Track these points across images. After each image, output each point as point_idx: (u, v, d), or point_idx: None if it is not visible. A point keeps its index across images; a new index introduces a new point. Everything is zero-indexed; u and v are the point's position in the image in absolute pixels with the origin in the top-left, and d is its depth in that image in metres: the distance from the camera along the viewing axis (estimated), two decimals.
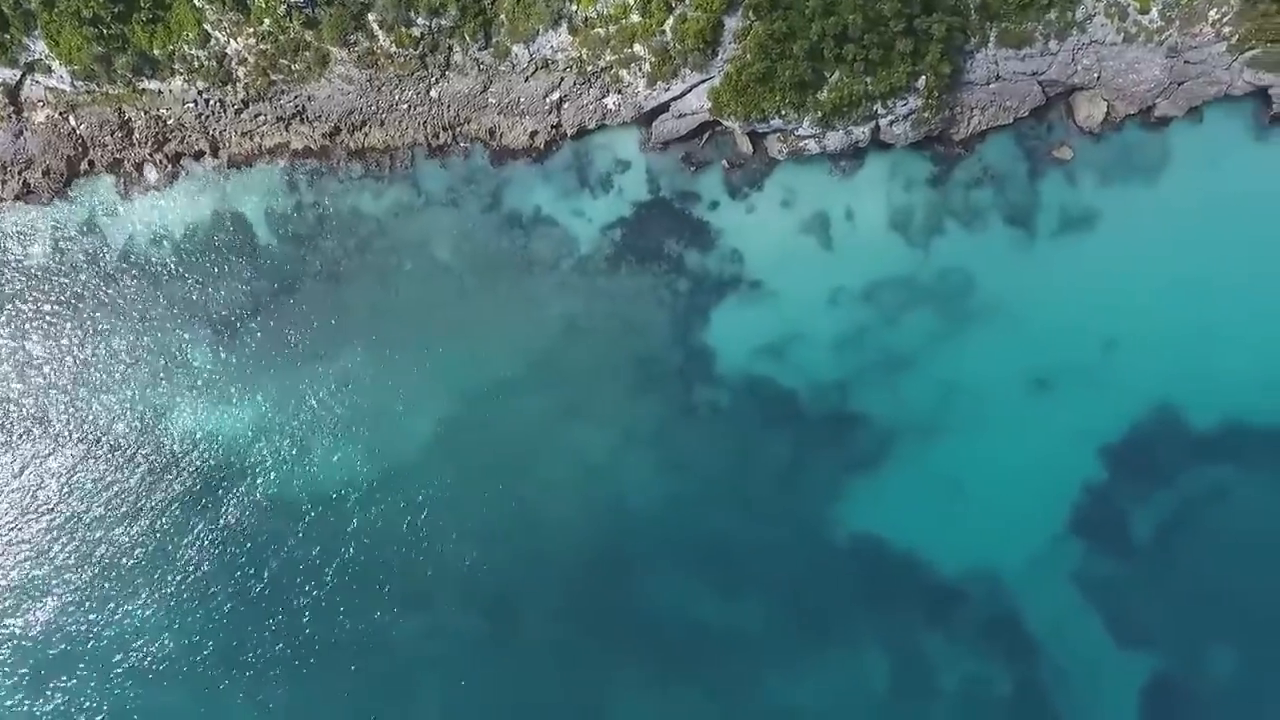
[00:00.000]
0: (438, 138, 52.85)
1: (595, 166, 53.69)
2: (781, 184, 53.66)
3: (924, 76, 48.55)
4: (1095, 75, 51.31)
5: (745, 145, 52.62)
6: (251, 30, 49.64)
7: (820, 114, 49.11)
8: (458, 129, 52.83)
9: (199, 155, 53.07)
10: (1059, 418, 53.47)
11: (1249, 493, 53.44)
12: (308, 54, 50.29)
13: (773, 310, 53.65)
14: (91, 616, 51.68)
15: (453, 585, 52.44)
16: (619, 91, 51.22)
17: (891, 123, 50.35)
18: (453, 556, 52.50)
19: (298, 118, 52.28)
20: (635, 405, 53.45)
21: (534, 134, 52.61)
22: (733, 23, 48.26)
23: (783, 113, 49.25)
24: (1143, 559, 53.55)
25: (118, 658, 51.04)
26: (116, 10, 48.07)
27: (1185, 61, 50.95)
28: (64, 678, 51.45)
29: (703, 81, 50.04)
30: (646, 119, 52.32)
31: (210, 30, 49.70)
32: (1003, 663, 53.43)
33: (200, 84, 50.82)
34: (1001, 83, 51.11)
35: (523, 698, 52.40)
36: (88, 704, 51.24)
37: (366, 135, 52.84)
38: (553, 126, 52.47)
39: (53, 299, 52.87)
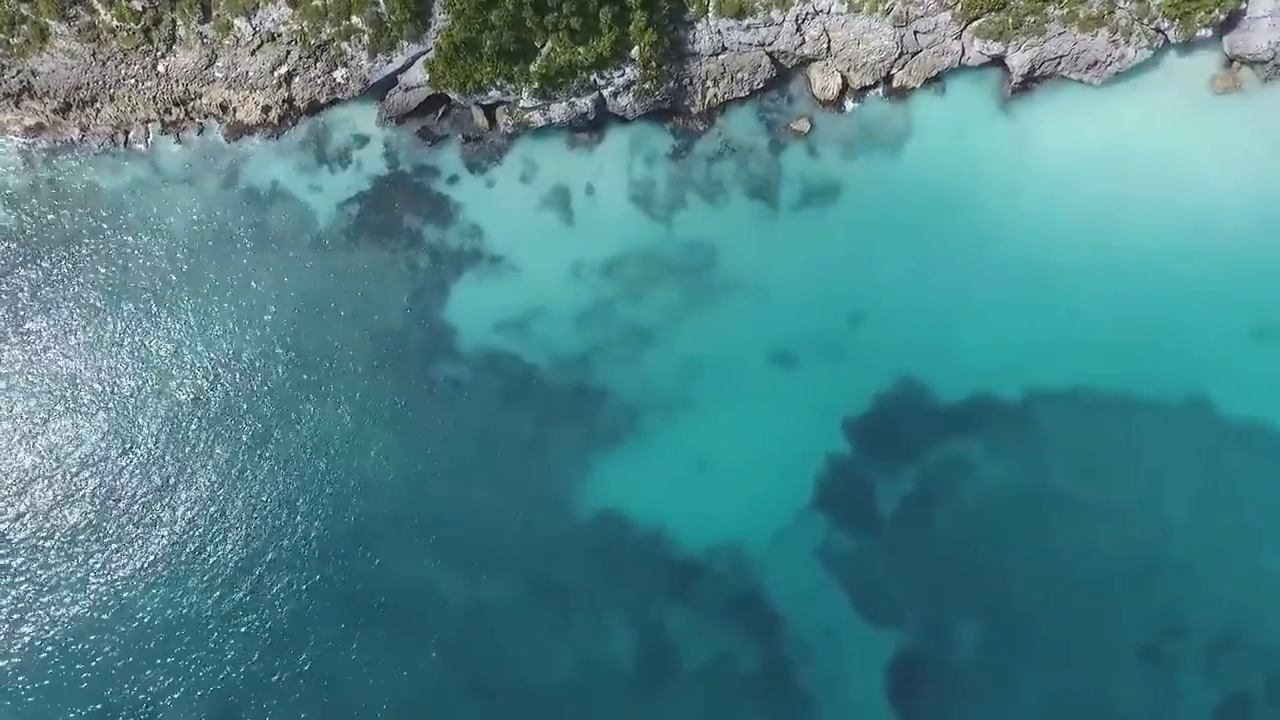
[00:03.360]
0: (170, 113, 52.43)
1: (333, 141, 53.34)
2: (521, 158, 53.33)
3: (636, 47, 48.11)
4: (825, 46, 50.95)
5: (481, 119, 52.24)
6: None
7: (536, 85, 48.69)
8: (189, 104, 52.41)
9: None
10: (804, 392, 53.14)
11: (992, 467, 53.14)
12: (25, 27, 49.77)
13: (514, 285, 53.31)
14: None
15: (187, 564, 52.03)
16: (344, 65, 50.79)
17: (614, 94, 49.99)
18: (185, 536, 52.05)
19: (25, 93, 51.78)
20: (376, 382, 53.01)
21: (266, 109, 52.18)
22: None
23: (498, 84, 48.87)
24: (888, 533, 53.18)
25: None
26: None
27: (915, 32, 50.58)
28: None
29: (422, 53, 49.62)
30: (379, 92, 51.92)
31: None
32: (748, 638, 52.92)
33: None
34: (729, 54, 50.76)
35: (260, 677, 51.95)
36: None
37: (98, 111, 52.34)
38: (284, 101, 52.05)
39: None
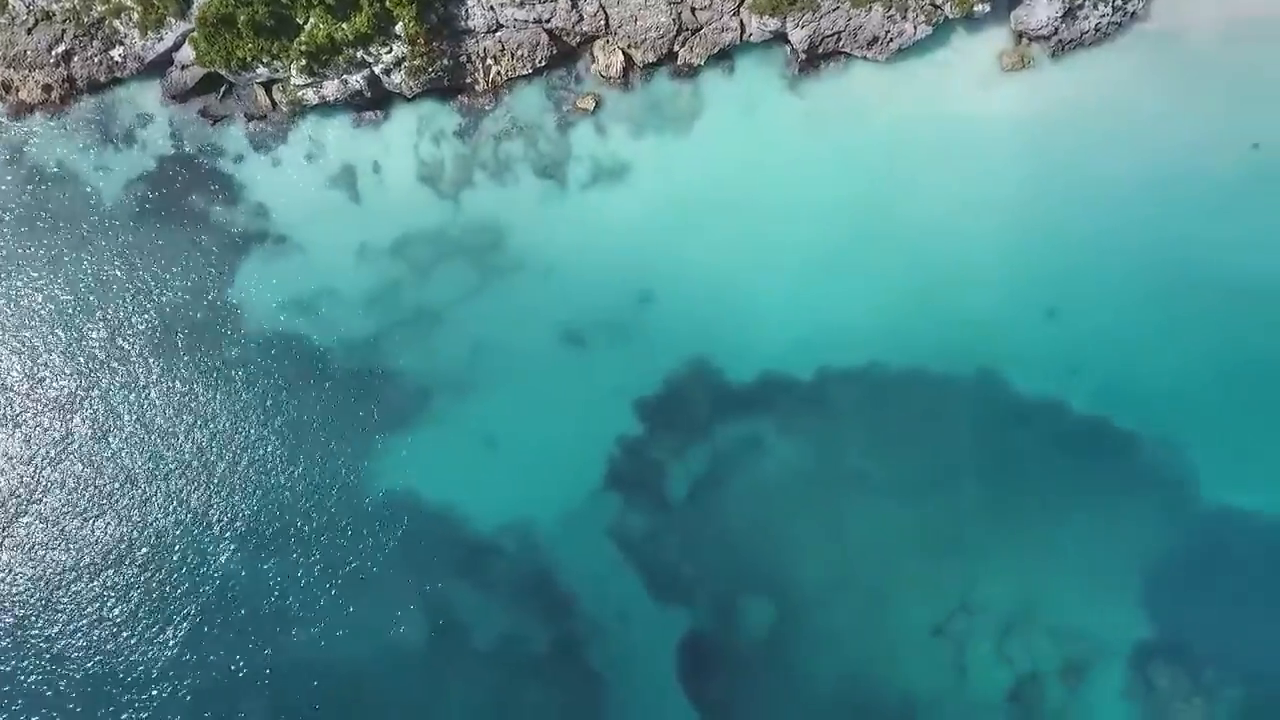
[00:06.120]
0: None
1: (117, 120, 52.92)
2: (307, 137, 52.95)
3: (400, 23, 47.82)
4: (603, 23, 50.66)
5: (264, 98, 51.89)
6: None
7: (303, 62, 48.38)
8: None
9: None
10: (594, 372, 52.79)
11: (784, 446, 52.91)
12: None
13: (301, 265, 52.91)
14: None
15: None
16: (119, 43, 50.47)
17: (386, 71, 49.66)
18: None
19: None
20: (160, 365, 52.64)
21: (48, 88, 51.81)
22: None
23: (264, 61, 48.55)
24: (679, 513, 52.89)
25: None
26: None
27: (692, 8, 50.33)
28: None
29: (191, 31, 49.29)
30: (158, 71, 51.60)
31: None
32: (539, 619, 52.55)
33: None
34: (505, 31, 50.45)
35: (53, 671, 51.47)
36: None
37: None
38: (65, 80, 51.69)
39: None
